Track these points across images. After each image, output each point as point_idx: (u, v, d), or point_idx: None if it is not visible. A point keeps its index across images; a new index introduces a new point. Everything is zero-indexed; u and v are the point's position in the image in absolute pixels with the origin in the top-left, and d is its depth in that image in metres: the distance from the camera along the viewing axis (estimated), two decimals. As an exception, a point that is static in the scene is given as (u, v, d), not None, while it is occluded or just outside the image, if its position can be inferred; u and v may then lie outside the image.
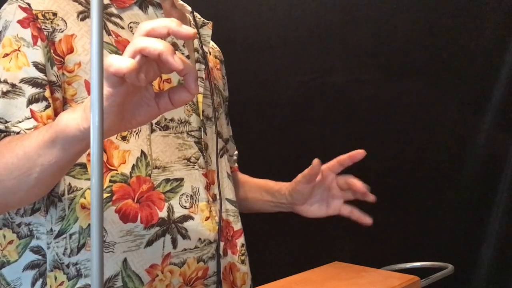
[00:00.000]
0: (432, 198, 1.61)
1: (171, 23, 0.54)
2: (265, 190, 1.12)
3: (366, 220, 0.98)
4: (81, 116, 0.57)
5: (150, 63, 0.55)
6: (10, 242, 0.83)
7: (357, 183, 0.96)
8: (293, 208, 1.07)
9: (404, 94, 1.60)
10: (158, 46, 0.52)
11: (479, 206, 1.60)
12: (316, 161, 0.95)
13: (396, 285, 0.81)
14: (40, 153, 0.63)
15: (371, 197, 0.96)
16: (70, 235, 0.80)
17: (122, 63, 0.51)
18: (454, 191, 1.61)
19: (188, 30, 0.54)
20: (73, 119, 0.58)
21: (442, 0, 1.57)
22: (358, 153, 0.95)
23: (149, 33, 0.54)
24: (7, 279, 0.84)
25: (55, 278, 0.80)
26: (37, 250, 0.82)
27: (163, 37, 0.54)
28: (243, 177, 1.19)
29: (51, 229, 0.80)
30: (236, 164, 1.19)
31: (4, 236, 0.83)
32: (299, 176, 0.99)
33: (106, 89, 0.53)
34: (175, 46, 0.92)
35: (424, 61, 1.59)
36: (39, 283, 0.81)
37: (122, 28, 0.87)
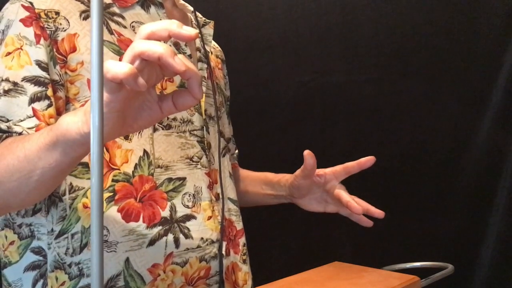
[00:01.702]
0: (432, 198, 1.62)
1: (171, 25, 0.53)
2: (265, 183, 1.13)
3: (366, 222, 0.99)
4: (82, 120, 0.56)
5: (152, 67, 0.54)
6: (12, 243, 0.83)
7: (352, 205, 0.95)
8: (292, 200, 1.08)
9: (404, 94, 1.60)
10: (157, 49, 0.51)
11: (479, 206, 1.60)
12: (306, 152, 0.95)
13: (396, 285, 0.81)
14: (41, 156, 0.62)
15: (379, 213, 0.96)
16: (72, 235, 0.80)
17: (119, 68, 0.49)
18: (454, 191, 1.62)
19: (190, 31, 0.53)
20: (74, 122, 0.57)
21: (442, 0, 1.57)
22: (368, 160, 0.95)
23: (149, 36, 0.53)
24: (9, 279, 0.83)
25: (56, 279, 0.79)
26: (38, 251, 0.81)
27: (164, 40, 0.53)
28: (243, 172, 1.20)
29: (52, 230, 0.80)
30: (236, 161, 1.19)
31: (6, 237, 0.83)
32: (298, 171, 1.01)
33: (105, 95, 0.51)
34: (177, 46, 0.92)
35: (424, 61, 1.60)
36: (39, 284, 0.81)
37: (125, 27, 0.87)
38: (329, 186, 1.01)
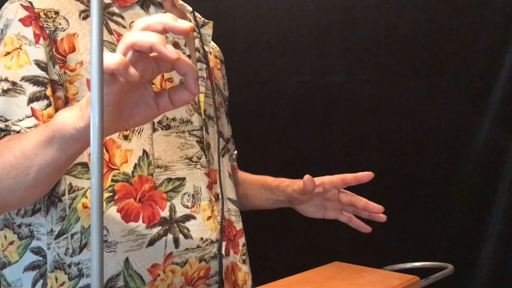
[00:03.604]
0: (432, 198, 1.62)
1: (166, 19, 0.53)
2: (264, 187, 1.13)
3: (365, 228, 1.00)
4: (78, 115, 0.56)
5: (147, 61, 0.54)
6: (11, 243, 0.82)
7: (372, 205, 0.97)
8: (291, 206, 1.08)
9: (404, 94, 1.60)
10: (149, 38, 0.51)
11: (479, 206, 1.60)
12: (306, 178, 0.95)
13: (396, 285, 0.81)
14: (37, 153, 0.62)
15: (381, 217, 0.97)
16: (72, 235, 0.80)
17: (110, 59, 0.49)
18: (454, 191, 1.62)
19: (185, 24, 0.53)
20: (70, 118, 0.57)
21: (442, 0, 1.57)
22: (365, 176, 0.95)
23: (144, 30, 0.53)
24: (8, 279, 0.83)
25: (56, 279, 0.79)
26: (38, 251, 0.81)
27: (159, 33, 0.53)
28: (242, 174, 1.20)
29: (52, 230, 0.80)
30: (235, 163, 1.19)
31: (5, 237, 0.83)
32: (296, 187, 1.01)
33: None
34: (176, 46, 0.92)
35: (424, 61, 1.59)
36: (39, 284, 0.81)
37: (124, 27, 0.87)
38: (329, 195, 1.02)
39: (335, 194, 1.01)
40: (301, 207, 1.06)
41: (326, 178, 0.99)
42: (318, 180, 0.98)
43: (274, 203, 1.11)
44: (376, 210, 0.96)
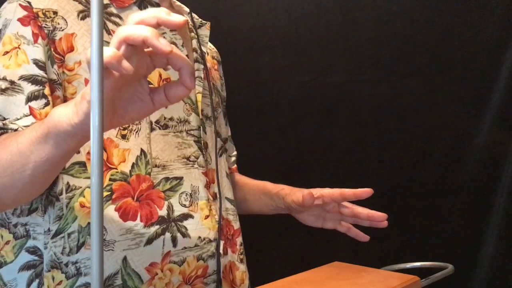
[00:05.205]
0: (432, 198, 1.61)
1: (160, 13, 0.53)
2: (264, 193, 1.12)
3: (364, 237, 1.00)
4: (73, 111, 0.56)
5: (142, 56, 0.54)
6: (7, 243, 0.83)
7: (376, 214, 0.97)
8: (290, 213, 1.08)
9: (404, 94, 1.60)
10: (141, 32, 0.51)
11: (479, 206, 1.60)
12: (306, 193, 0.96)
13: (396, 285, 0.80)
14: (33, 150, 0.62)
15: (384, 224, 0.97)
16: (69, 234, 0.80)
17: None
18: (454, 191, 1.61)
19: (178, 18, 0.53)
20: (65, 114, 0.57)
21: (442, 0, 1.57)
22: (364, 192, 0.95)
23: (137, 24, 0.53)
24: (4, 279, 0.83)
25: (53, 278, 0.79)
26: (33, 251, 0.81)
27: (152, 27, 0.53)
28: (241, 178, 1.19)
29: (49, 229, 0.80)
30: (235, 165, 1.19)
31: (1, 236, 0.83)
32: (295, 198, 1.00)
33: None
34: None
35: (424, 61, 1.59)
36: (35, 284, 0.81)
37: (122, 27, 0.87)
38: (328, 207, 1.02)
39: (335, 206, 1.01)
40: (300, 216, 1.06)
41: (326, 191, 0.99)
42: (318, 192, 0.98)
43: (274, 209, 1.11)
44: (380, 219, 0.96)
